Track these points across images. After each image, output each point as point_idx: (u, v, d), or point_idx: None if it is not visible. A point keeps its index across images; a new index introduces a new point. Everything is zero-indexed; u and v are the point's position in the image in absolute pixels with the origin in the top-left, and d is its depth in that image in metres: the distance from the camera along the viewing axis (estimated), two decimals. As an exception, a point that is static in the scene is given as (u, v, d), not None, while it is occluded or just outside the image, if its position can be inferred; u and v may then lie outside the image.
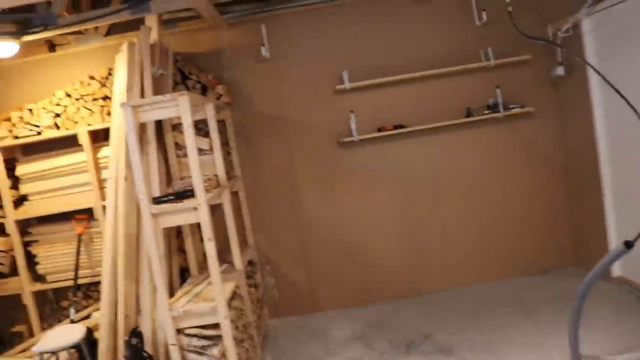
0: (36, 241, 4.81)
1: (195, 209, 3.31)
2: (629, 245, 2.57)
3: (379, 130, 5.01)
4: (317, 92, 5.08)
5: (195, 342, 3.48)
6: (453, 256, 5.24)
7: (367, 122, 5.04)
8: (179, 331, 3.46)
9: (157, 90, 4.12)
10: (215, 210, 4.35)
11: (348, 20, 5.06)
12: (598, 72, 3.62)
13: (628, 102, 3.16)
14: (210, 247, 3.33)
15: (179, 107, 3.23)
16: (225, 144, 4.83)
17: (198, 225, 3.49)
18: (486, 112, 5.00)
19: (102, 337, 3.98)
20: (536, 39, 4.32)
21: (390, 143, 5.12)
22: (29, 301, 4.79)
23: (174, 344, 3.40)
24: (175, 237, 4.38)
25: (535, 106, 5.04)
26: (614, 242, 4.58)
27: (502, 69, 5.00)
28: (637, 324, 3.87)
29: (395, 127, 4.99)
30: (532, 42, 4.49)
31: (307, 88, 5.08)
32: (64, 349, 3.72)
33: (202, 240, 3.80)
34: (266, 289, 5.21)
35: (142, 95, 4.02)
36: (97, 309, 4.60)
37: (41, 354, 3.63)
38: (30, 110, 4.73)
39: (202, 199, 3.28)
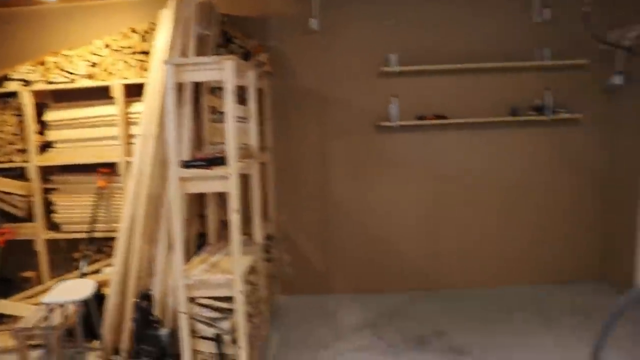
0: (56, 189, 4.75)
1: (225, 177, 3.19)
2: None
3: (419, 118, 4.86)
4: (362, 72, 4.92)
5: (206, 312, 3.39)
6: (476, 255, 5.11)
7: (407, 109, 4.89)
8: (191, 300, 3.38)
9: (199, 50, 3.97)
10: (240, 179, 4.23)
11: (403, 1, 4.85)
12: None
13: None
14: (235, 219, 3.22)
15: (223, 71, 3.09)
16: (259, 113, 4.69)
17: (220, 192, 3.37)
18: (531, 113, 4.81)
19: (111, 295, 3.92)
20: (611, 44, 4.01)
21: (429, 133, 4.96)
22: (41, 248, 4.75)
23: (184, 312, 3.32)
24: (196, 202, 4.28)
25: (584, 113, 4.85)
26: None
27: (554, 70, 4.81)
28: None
29: (437, 117, 4.83)
30: (591, 47, 4.23)
31: (352, 66, 4.92)
32: (72, 302, 3.65)
33: (223, 208, 3.69)
34: (281, 266, 5.12)
35: (184, 55, 3.87)
36: (108, 265, 4.54)
37: (49, 304, 3.59)
38: (66, 56, 4.61)
39: (233, 168, 3.16)
